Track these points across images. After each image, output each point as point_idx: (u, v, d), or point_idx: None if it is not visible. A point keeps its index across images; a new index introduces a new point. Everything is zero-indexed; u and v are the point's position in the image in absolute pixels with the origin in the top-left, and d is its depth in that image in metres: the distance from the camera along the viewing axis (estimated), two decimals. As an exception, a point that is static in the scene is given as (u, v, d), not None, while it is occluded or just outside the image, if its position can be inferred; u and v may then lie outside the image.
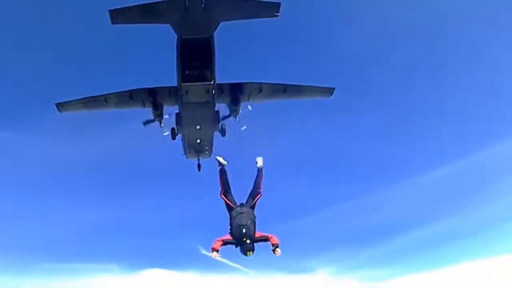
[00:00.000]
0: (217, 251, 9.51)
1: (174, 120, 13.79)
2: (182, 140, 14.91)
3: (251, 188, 10.52)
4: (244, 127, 13.73)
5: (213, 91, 12.00)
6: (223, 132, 14.72)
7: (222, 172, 10.79)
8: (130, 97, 13.04)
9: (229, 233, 9.73)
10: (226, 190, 10.51)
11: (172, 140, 14.83)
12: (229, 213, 10.01)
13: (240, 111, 12.70)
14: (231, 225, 9.75)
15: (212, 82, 11.35)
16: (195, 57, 10.91)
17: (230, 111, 13.48)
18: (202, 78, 11.42)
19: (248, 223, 9.60)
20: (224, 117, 14.02)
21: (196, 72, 11.35)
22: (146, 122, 13.60)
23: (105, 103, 12.89)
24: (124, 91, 12.80)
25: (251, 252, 9.38)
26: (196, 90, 11.73)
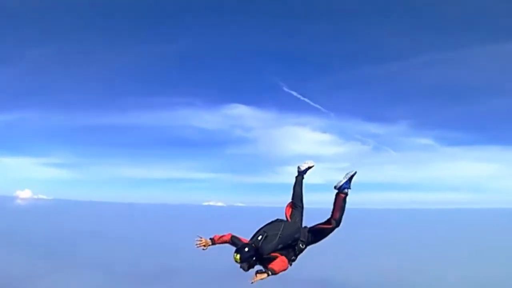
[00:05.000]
0: (211, 243, 7.21)
1: None
2: None
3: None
4: None
5: None
6: None
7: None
8: None
9: None
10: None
11: None
12: None
13: None
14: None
15: None
16: None
17: None
18: None
19: (266, 235, 6.79)
20: None
21: None
22: None
23: None
24: None
25: (237, 256, 6.43)
26: None
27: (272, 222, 7.16)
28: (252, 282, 6.12)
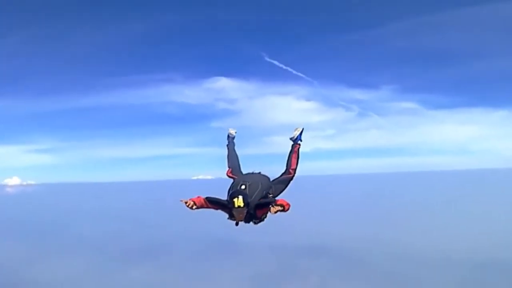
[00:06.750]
0: (194, 204, 6.43)
1: None
2: None
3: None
4: None
5: None
6: None
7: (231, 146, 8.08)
8: None
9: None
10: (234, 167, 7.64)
11: None
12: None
13: None
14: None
15: None
16: None
17: None
18: None
19: (249, 184, 6.54)
20: None
21: None
22: None
23: None
24: None
25: (240, 200, 6.02)
26: None
27: (246, 174, 7.29)
28: (274, 212, 6.09)
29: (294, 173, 7.31)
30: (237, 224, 6.50)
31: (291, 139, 7.71)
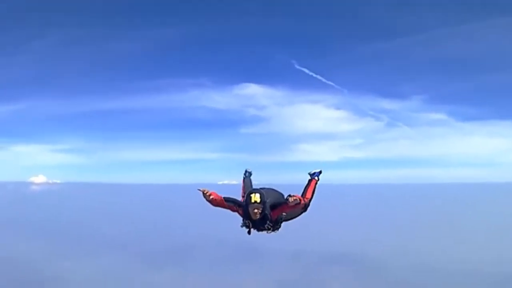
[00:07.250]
0: (209, 195, 6.68)
1: None
2: None
3: None
4: None
5: None
6: None
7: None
8: None
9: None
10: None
11: None
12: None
13: None
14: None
15: None
16: None
17: None
18: None
19: (265, 190, 6.84)
20: None
21: None
22: None
23: None
24: None
25: (257, 196, 6.38)
26: None
27: (261, 188, 7.27)
28: (291, 201, 6.36)
29: (309, 202, 7.31)
30: (249, 232, 6.67)
31: (309, 173, 7.97)
